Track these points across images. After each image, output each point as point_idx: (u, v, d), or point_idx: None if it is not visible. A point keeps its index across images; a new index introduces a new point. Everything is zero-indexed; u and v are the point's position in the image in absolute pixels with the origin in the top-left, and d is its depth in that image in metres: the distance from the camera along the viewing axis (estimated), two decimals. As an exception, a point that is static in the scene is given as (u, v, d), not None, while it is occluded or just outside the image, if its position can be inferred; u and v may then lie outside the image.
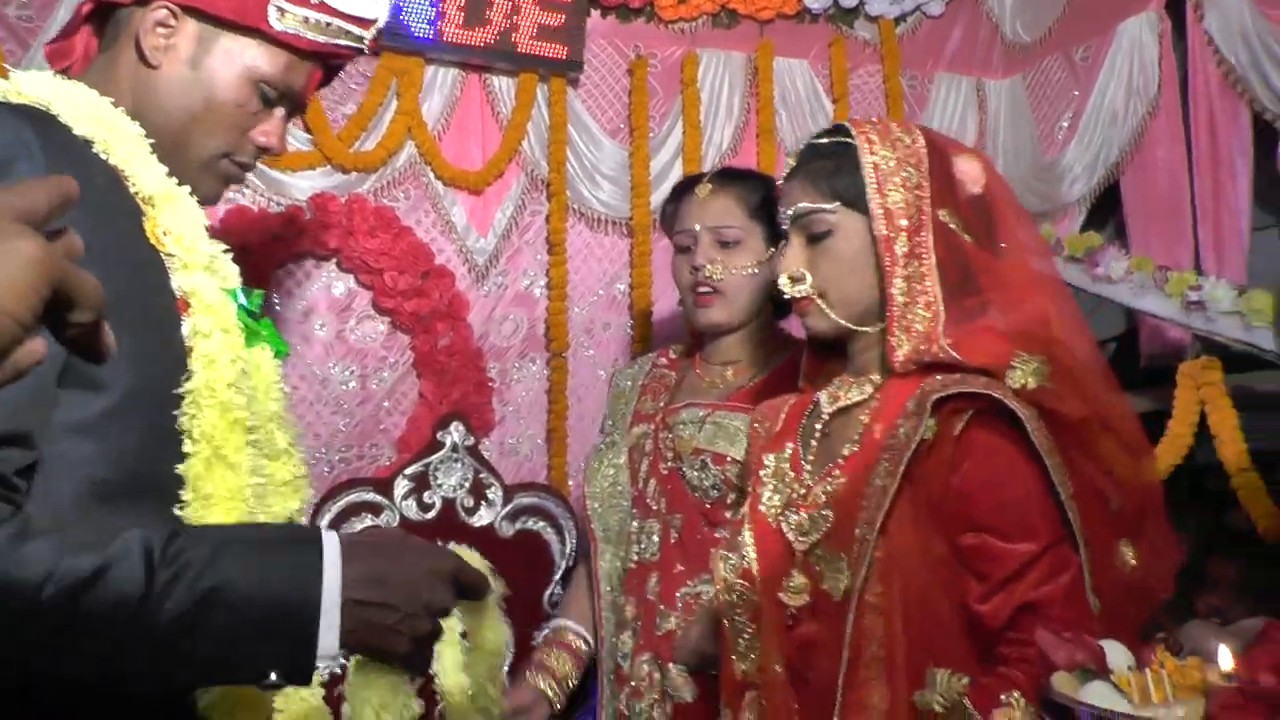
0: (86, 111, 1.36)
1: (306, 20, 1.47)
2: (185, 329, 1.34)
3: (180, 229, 1.38)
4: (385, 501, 2.99)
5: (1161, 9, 3.40)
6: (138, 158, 1.38)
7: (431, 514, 3.02)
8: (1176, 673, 1.13)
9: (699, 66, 3.56)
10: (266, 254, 3.14)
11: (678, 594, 2.29)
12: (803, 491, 1.74)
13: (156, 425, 1.29)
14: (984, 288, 1.68)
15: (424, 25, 3.22)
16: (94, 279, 0.64)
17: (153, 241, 1.36)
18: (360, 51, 1.56)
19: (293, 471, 1.50)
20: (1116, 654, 1.26)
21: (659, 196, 3.47)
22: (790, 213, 1.75)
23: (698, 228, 2.35)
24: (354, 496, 2.98)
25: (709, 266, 2.31)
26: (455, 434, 3.06)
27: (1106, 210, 3.52)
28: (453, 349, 3.27)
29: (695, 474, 2.30)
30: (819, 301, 1.72)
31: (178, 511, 1.30)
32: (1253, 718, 0.96)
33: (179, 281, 1.36)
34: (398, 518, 2.98)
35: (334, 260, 3.26)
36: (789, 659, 1.69)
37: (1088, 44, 3.58)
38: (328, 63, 1.55)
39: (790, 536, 1.71)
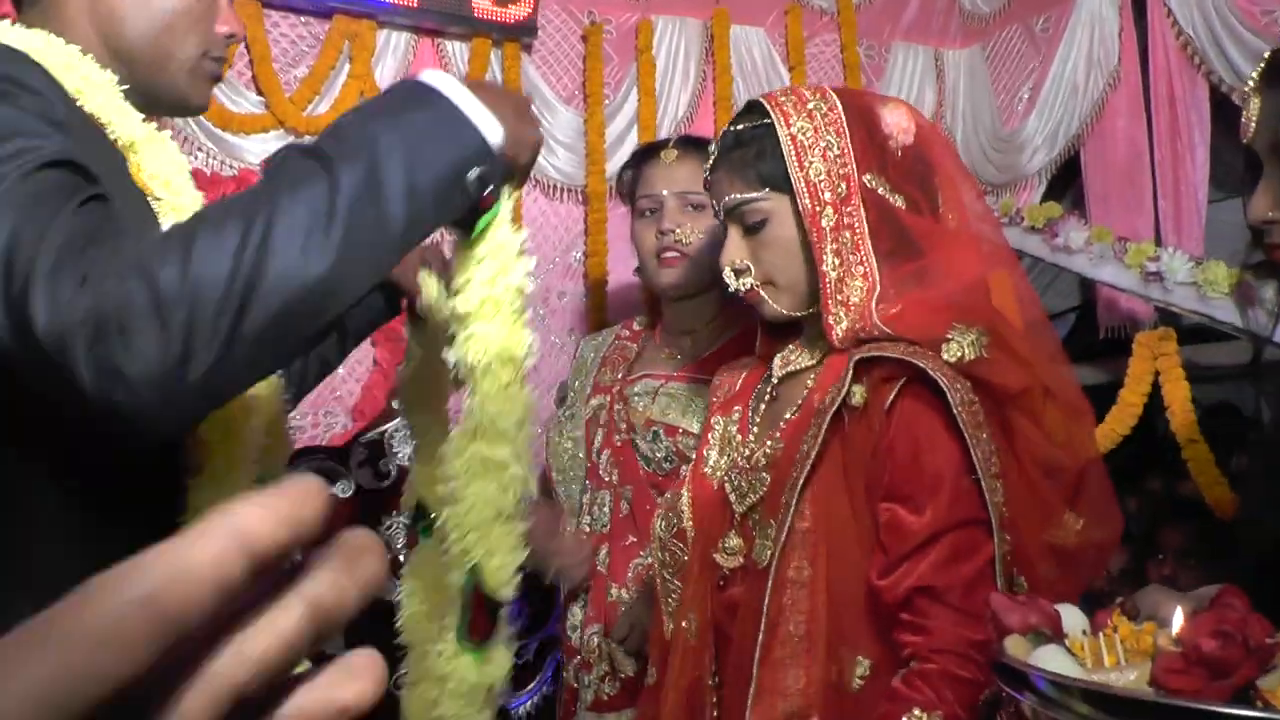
0: (55, 59, 1.31)
1: None
2: None
3: (166, 173, 1.36)
4: (341, 469, 2.96)
5: (1122, -22, 3.39)
6: (113, 105, 1.34)
7: (387, 482, 2.98)
8: (1130, 637, 1.11)
9: (654, 33, 3.51)
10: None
11: (629, 566, 2.27)
12: (747, 454, 1.71)
13: None
14: (925, 250, 1.63)
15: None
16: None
17: (138, 184, 1.33)
18: None
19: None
20: (1071, 618, 1.24)
21: (614, 164, 3.42)
22: (723, 204, 1.71)
23: (665, 192, 2.32)
24: (310, 464, 2.94)
25: (677, 230, 2.28)
26: (410, 403, 3.03)
27: (1066, 181, 3.53)
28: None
29: (647, 445, 2.29)
30: (766, 290, 1.69)
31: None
32: (1193, 681, 0.95)
33: (169, 224, 1.31)
34: (353, 485, 2.95)
35: (285, 226, 3.21)
36: (718, 620, 1.66)
37: (1047, 14, 3.57)
38: None
39: (732, 499, 1.69)
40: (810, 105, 1.67)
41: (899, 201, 1.64)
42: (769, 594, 1.52)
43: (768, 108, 1.68)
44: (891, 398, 1.52)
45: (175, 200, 1.35)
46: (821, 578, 1.51)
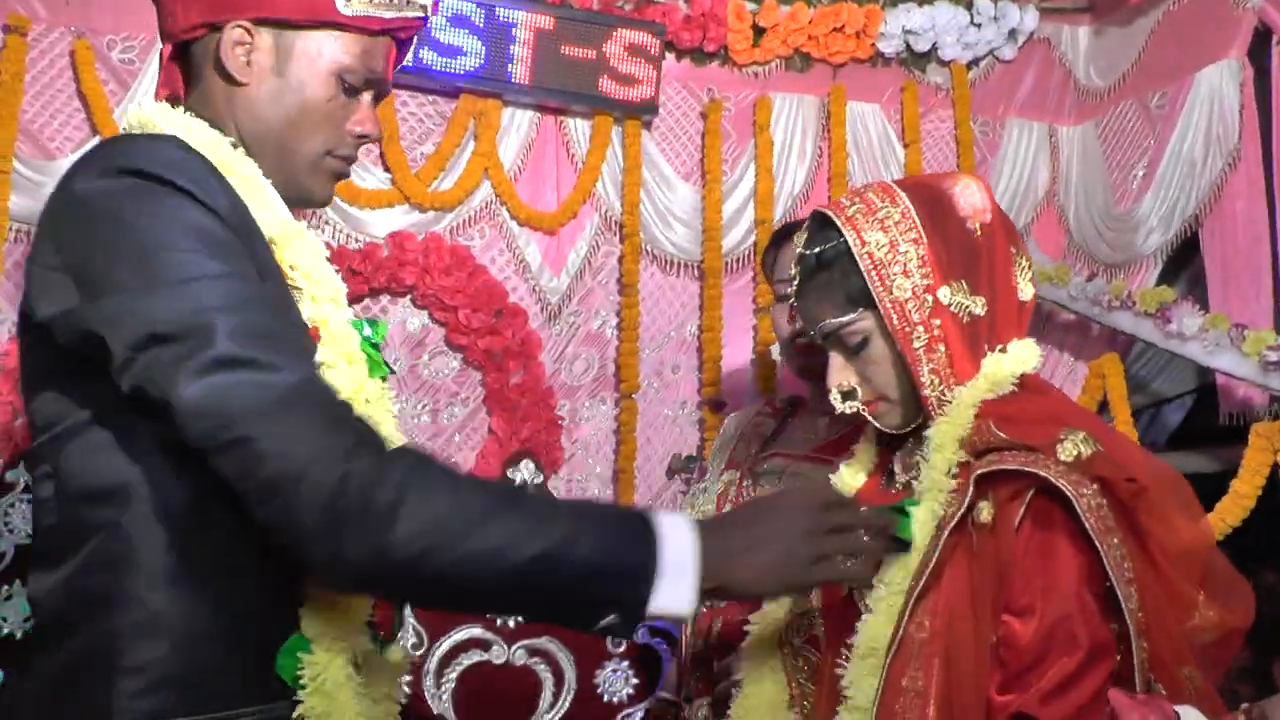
0: (212, 151, 1.40)
1: (372, 0, 1.48)
2: (316, 357, 1.39)
3: (306, 264, 1.41)
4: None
5: (1244, 56, 3.33)
6: (258, 198, 1.41)
7: (499, 551, 3.05)
8: None
9: (772, 110, 3.58)
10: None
11: (745, 646, 2.30)
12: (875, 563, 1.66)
13: None
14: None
15: (502, 68, 3.28)
16: None
17: (281, 271, 1.40)
18: (425, 20, 1.56)
19: None
20: (1190, 718, 1.24)
21: (730, 240, 3.50)
22: (819, 330, 1.66)
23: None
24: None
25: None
26: (525, 471, 3.10)
27: (1181, 262, 3.48)
28: (524, 387, 3.31)
29: None
30: (877, 408, 1.65)
31: None
32: None
33: (309, 312, 1.40)
34: (466, 553, 3.02)
35: (409, 297, 3.32)
36: None
37: (1163, 91, 3.52)
38: (398, 37, 1.54)
39: (861, 609, 1.62)
40: (881, 213, 1.61)
41: (978, 306, 1.60)
42: (879, 697, 1.51)
43: (839, 224, 1.62)
44: (1020, 515, 1.49)
45: (316, 290, 1.41)
46: (935, 688, 1.48)
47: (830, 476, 1.86)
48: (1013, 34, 3.69)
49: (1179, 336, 3.01)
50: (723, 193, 3.51)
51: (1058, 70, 3.83)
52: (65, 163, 2.96)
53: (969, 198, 1.64)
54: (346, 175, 1.56)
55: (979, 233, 1.62)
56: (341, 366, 1.39)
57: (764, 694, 1.78)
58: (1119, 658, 1.49)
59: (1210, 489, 2.91)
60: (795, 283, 1.69)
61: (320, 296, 1.41)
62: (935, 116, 3.75)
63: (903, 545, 1.53)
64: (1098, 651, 1.47)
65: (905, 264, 1.59)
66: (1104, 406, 3.21)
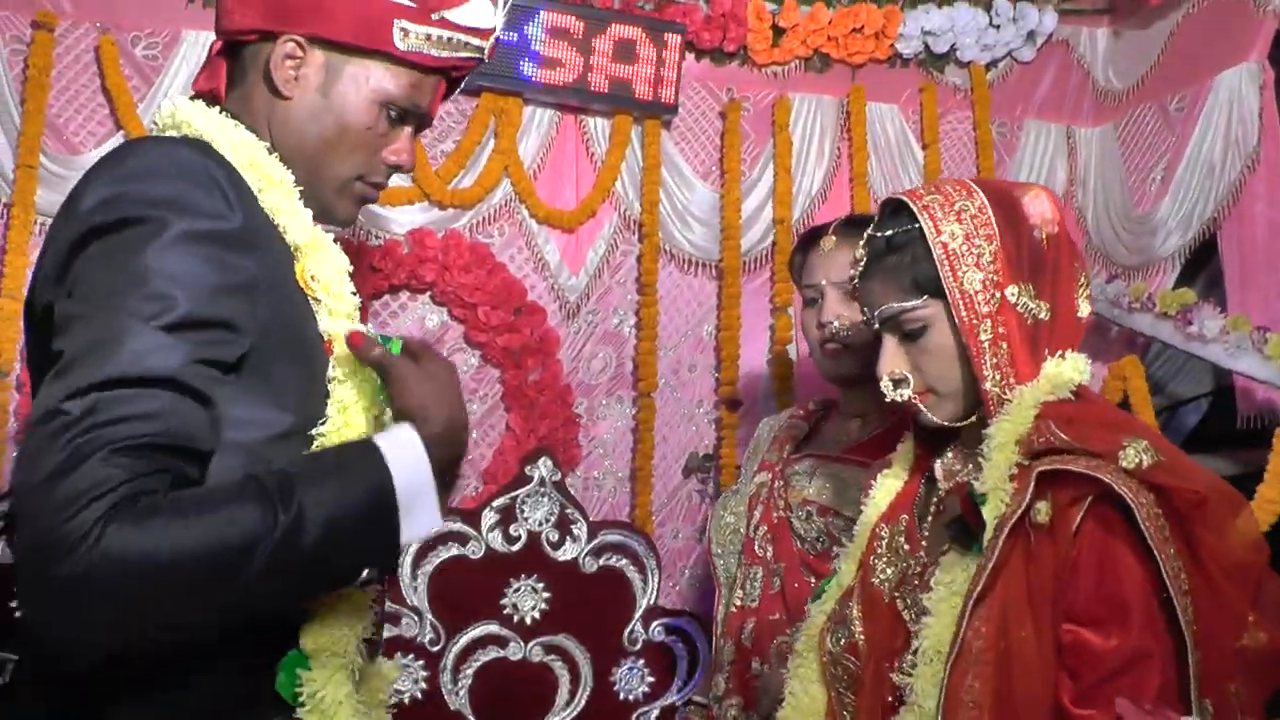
0: (243, 153, 1.41)
1: (429, 38, 1.49)
2: (329, 371, 1.40)
3: (327, 276, 1.43)
4: (472, 532, 3.05)
5: (1264, 59, 3.32)
6: (287, 205, 1.43)
7: (517, 546, 3.07)
8: None
9: (791, 110, 3.59)
10: (363, 285, 3.22)
11: (772, 642, 2.30)
12: (918, 569, 1.67)
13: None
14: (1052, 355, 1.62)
15: (525, 66, 3.29)
16: None
17: (301, 284, 1.41)
18: (480, 61, 1.58)
19: None
20: None
21: (749, 240, 3.51)
22: (879, 314, 1.67)
23: (824, 282, 2.34)
24: (441, 526, 3.04)
25: (836, 322, 2.31)
26: (543, 468, 3.12)
27: (1200, 264, 3.47)
28: (542, 384, 3.32)
29: (801, 524, 2.33)
30: (926, 400, 1.65)
31: None
32: None
33: (324, 325, 1.41)
34: (484, 548, 3.04)
35: (429, 294, 3.34)
36: None
37: (1182, 93, 3.51)
38: (450, 75, 1.57)
39: (905, 615, 1.64)
40: (958, 205, 1.62)
41: (1042, 311, 1.61)
42: (941, 708, 1.49)
43: (915, 210, 1.63)
44: (1079, 519, 1.48)
45: (334, 304, 1.43)
46: (989, 697, 1.47)
47: (879, 476, 1.86)
48: (1031, 35, 3.69)
49: (1200, 339, 3.00)
50: (741, 192, 3.52)
51: (1076, 72, 3.82)
52: (90, 157, 2.99)
53: (1038, 207, 1.65)
54: (373, 200, 1.58)
55: (1045, 243, 1.64)
56: (353, 384, 1.40)
57: (801, 705, 1.77)
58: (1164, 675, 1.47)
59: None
60: (861, 264, 1.70)
61: (337, 311, 1.42)
62: (954, 118, 3.75)
63: (974, 538, 1.52)
64: (1165, 664, 1.46)
65: (978, 257, 1.60)
66: (1124, 409, 3.21)
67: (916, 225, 1.63)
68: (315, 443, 1.36)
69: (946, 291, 1.59)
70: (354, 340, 1.37)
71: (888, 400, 1.68)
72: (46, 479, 1.11)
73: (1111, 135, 3.76)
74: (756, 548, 2.41)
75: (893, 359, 1.66)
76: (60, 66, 3.08)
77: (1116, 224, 3.63)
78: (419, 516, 1.29)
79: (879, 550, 1.75)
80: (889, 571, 1.71)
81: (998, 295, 1.59)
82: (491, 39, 1.57)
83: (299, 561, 1.19)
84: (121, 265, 1.22)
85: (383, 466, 1.26)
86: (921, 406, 1.66)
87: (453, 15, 1.51)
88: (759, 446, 2.58)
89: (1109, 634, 1.46)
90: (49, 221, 2.87)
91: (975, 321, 1.59)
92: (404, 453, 1.28)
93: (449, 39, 1.51)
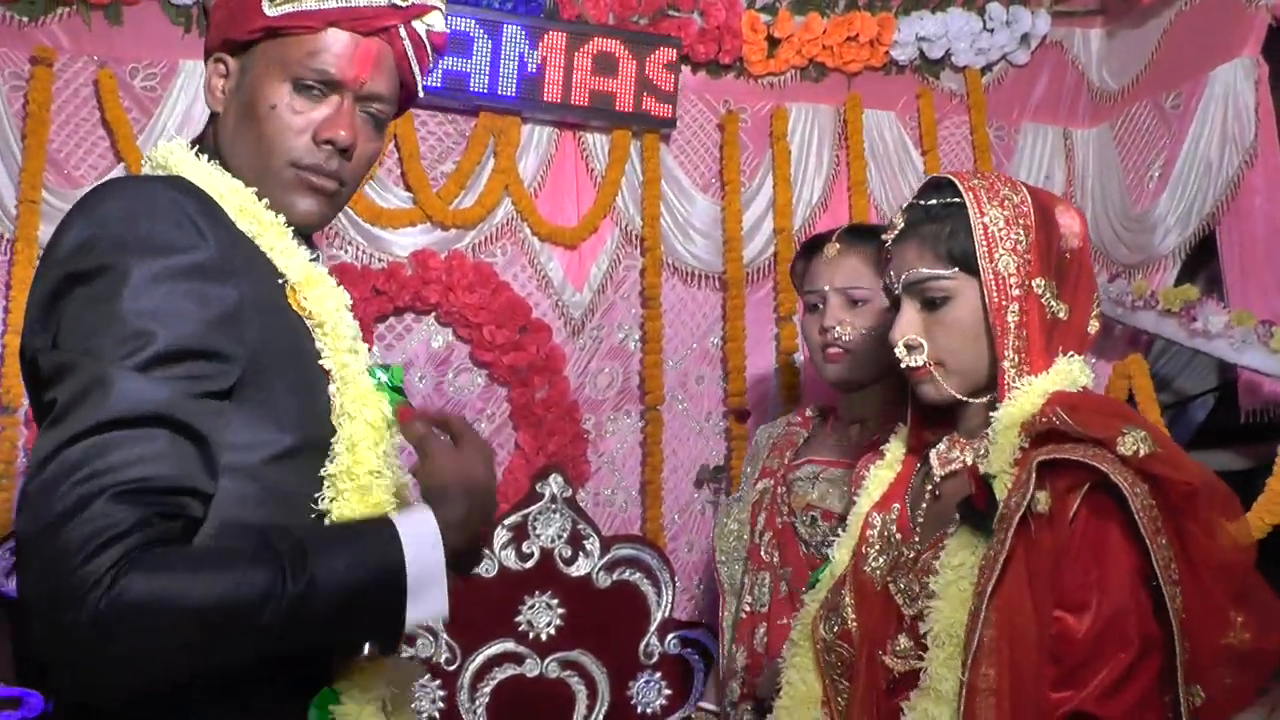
0: (233, 200, 1.41)
1: None
2: (332, 401, 1.40)
3: (325, 311, 1.42)
4: (485, 551, 3.05)
5: (1258, 54, 3.34)
6: (282, 244, 1.42)
7: (530, 564, 3.08)
8: None
9: (788, 120, 3.61)
10: (368, 308, 3.23)
11: (784, 646, 2.31)
12: (911, 556, 1.69)
13: (293, 495, 1.35)
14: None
15: (522, 84, 3.30)
16: None
17: (295, 309, 1.41)
18: (393, 8, 1.47)
19: None
20: None
21: (751, 250, 3.52)
22: (905, 278, 1.70)
23: (826, 288, 2.35)
24: (446, 615, 3.03)
25: (838, 328, 2.32)
26: (554, 485, 3.12)
27: (1200, 261, 3.48)
28: (549, 401, 3.32)
29: (805, 529, 2.34)
30: (935, 371, 1.68)
31: None
32: None
33: (328, 360, 1.41)
34: (497, 566, 3.05)
35: (434, 314, 3.35)
36: None
37: (1177, 91, 3.53)
38: (356, 29, 1.46)
39: (899, 601, 1.67)
40: (1003, 194, 1.67)
41: (1061, 311, 1.66)
42: (962, 701, 1.50)
43: (960, 188, 1.67)
44: (1076, 506, 1.52)
45: (335, 339, 1.42)
46: (1006, 684, 1.49)
47: (871, 467, 1.89)
48: (1025, 38, 3.71)
49: (1204, 334, 3.02)
50: (742, 203, 3.53)
51: (1071, 73, 3.84)
52: (92, 191, 3.00)
53: (1069, 220, 1.71)
54: (328, 191, 1.49)
55: (1070, 254, 1.69)
56: (362, 420, 1.39)
57: (798, 693, 1.79)
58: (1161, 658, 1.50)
59: (1238, 486, 2.90)
60: (897, 229, 1.73)
61: (340, 347, 1.41)
62: (951, 122, 3.77)
63: (984, 520, 1.54)
64: (1148, 648, 1.49)
65: (1015, 244, 1.64)
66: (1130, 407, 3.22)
67: (959, 200, 1.67)
68: (326, 482, 1.37)
69: (980, 270, 1.63)
70: (402, 417, 1.38)
71: (900, 365, 1.71)
72: (51, 525, 1.12)
73: (1108, 135, 3.78)
74: (763, 553, 2.42)
75: (910, 324, 1.70)
76: (60, 101, 3.09)
77: (1115, 223, 3.64)
78: (426, 602, 1.28)
79: (871, 539, 1.78)
80: (881, 560, 1.74)
81: (1027, 283, 1.63)
82: None
83: (302, 630, 1.20)
84: (103, 312, 1.22)
85: (397, 549, 1.26)
86: (933, 374, 1.69)
87: None
88: (758, 453, 2.60)
89: (1090, 618, 1.49)
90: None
91: (1005, 303, 1.63)
92: (420, 537, 1.28)
93: None
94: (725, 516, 2.57)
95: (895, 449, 1.88)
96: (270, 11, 1.43)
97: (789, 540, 2.37)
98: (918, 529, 1.73)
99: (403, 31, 1.51)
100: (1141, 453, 1.50)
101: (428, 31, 1.54)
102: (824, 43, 3.55)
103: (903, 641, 1.64)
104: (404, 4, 1.49)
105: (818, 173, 3.61)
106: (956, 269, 1.65)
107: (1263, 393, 3.13)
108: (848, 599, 1.75)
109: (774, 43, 3.55)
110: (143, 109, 3.14)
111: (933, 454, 1.77)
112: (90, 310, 1.23)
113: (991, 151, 3.74)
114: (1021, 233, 1.65)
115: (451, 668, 3.00)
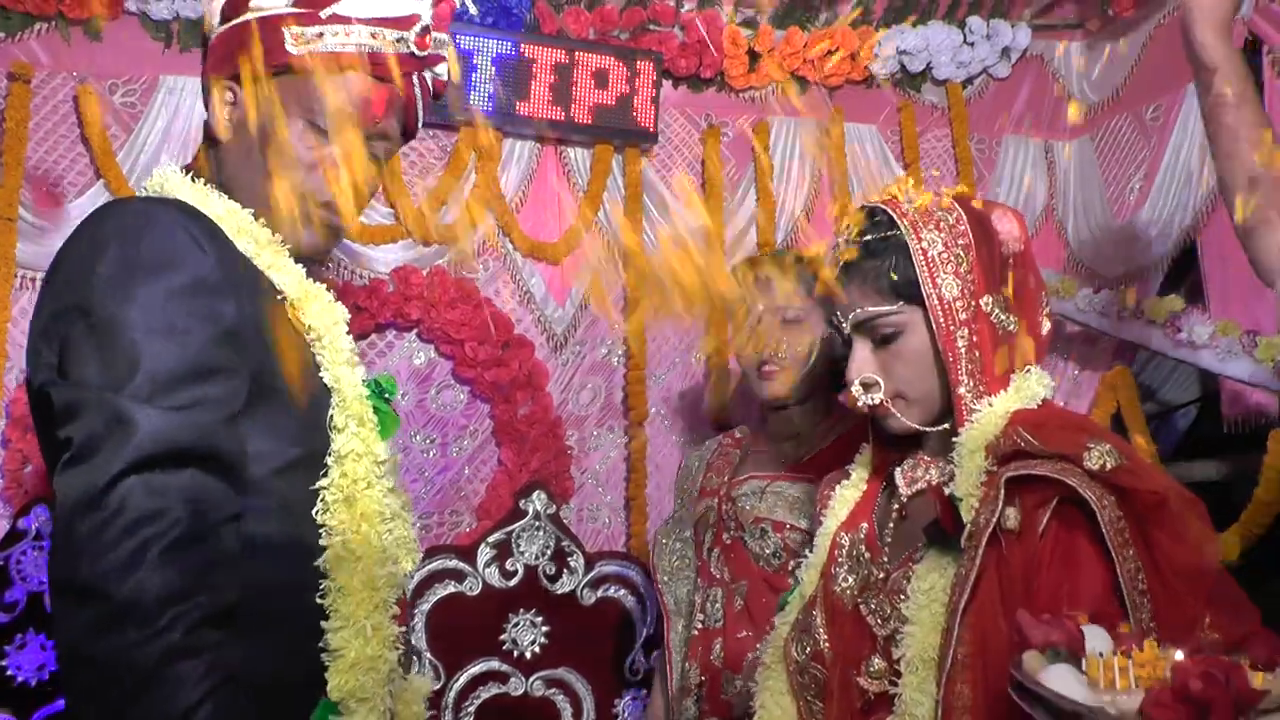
0: (231, 222, 1.43)
1: (322, 36, 1.46)
2: (332, 415, 1.41)
3: (322, 327, 1.45)
4: (468, 568, 3.04)
5: (1238, 64, 3.37)
6: (279, 263, 1.44)
7: (514, 581, 3.06)
8: (1150, 664, 1.13)
9: (770, 134, 3.61)
10: (350, 325, 3.20)
11: (746, 658, 2.32)
12: (881, 575, 1.69)
13: (299, 507, 1.37)
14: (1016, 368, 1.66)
15: (501, 99, 3.29)
16: None
17: (296, 325, 1.42)
18: (411, 56, 1.51)
19: (404, 534, 1.53)
20: (1096, 638, 1.24)
21: (734, 264, 3.50)
22: (852, 318, 1.69)
23: (760, 307, 2.43)
24: (438, 564, 3.03)
25: (770, 346, 2.39)
26: (537, 502, 3.11)
27: (1182, 272, 3.49)
28: (532, 417, 3.31)
29: (756, 542, 2.38)
30: (896, 405, 1.67)
31: (319, 601, 1.37)
32: (1176, 716, 0.99)
33: (325, 374, 1.43)
34: (480, 584, 3.03)
35: (415, 331, 3.33)
36: None
37: (1158, 102, 3.53)
38: (376, 74, 1.49)
39: (871, 621, 1.67)
40: (937, 215, 1.65)
41: (1011, 324, 1.65)
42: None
43: (895, 219, 1.66)
44: (1045, 520, 1.52)
45: (332, 353, 1.45)
46: (981, 701, 1.49)
47: (837, 487, 1.88)
48: (1006, 52, 3.72)
49: (1190, 345, 3.02)
50: (724, 216, 3.52)
51: (1051, 86, 3.85)
52: (70, 208, 2.98)
53: (1006, 225, 1.69)
54: (330, 224, 1.52)
55: (1013, 259, 1.68)
56: (354, 432, 1.41)
57: (772, 716, 1.79)
58: None
59: (1221, 496, 2.91)
60: (839, 269, 1.71)
61: (336, 361, 1.44)
62: (932, 135, 3.77)
63: (953, 541, 1.54)
64: None
65: (957, 265, 1.63)
66: (1116, 419, 3.21)
67: (895, 231, 1.65)
68: (320, 495, 1.38)
69: (925, 298, 1.62)
70: None
71: (857, 405, 1.70)
72: (104, 576, 1.14)
73: (1089, 147, 3.78)
74: (713, 569, 2.46)
75: (864, 363, 1.69)
76: (38, 117, 3.07)
77: (1098, 234, 3.64)
78: None
79: (840, 559, 1.77)
80: (850, 580, 1.74)
81: (974, 304, 1.62)
82: (416, 27, 1.52)
83: None
84: (110, 341, 1.23)
85: None
86: (892, 410, 1.68)
87: (345, 9, 1.47)
88: (691, 475, 2.66)
89: None
90: (29, 274, 2.92)
91: (953, 328, 1.62)
92: None
93: (349, 34, 1.47)
94: (665, 538, 2.63)
95: (860, 469, 1.87)
96: (293, 49, 1.45)
97: (740, 555, 2.41)
98: (886, 548, 1.73)
99: (414, 78, 1.55)
100: (1109, 465, 1.50)
101: (434, 78, 1.58)
102: (805, 56, 3.56)
103: (876, 663, 1.64)
104: (422, 54, 1.54)
105: (800, 186, 3.61)
106: (901, 302, 1.65)
107: (1245, 402, 3.13)
108: (819, 620, 1.74)
109: (754, 57, 3.55)
110: (122, 124, 3.11)
111: (897, 473, 1.76)
112: (97, 340, 1.23)
113: (973, 164, 3.74)
114: (961, 252, 1.64)
115: (436, 687, 2.97)
